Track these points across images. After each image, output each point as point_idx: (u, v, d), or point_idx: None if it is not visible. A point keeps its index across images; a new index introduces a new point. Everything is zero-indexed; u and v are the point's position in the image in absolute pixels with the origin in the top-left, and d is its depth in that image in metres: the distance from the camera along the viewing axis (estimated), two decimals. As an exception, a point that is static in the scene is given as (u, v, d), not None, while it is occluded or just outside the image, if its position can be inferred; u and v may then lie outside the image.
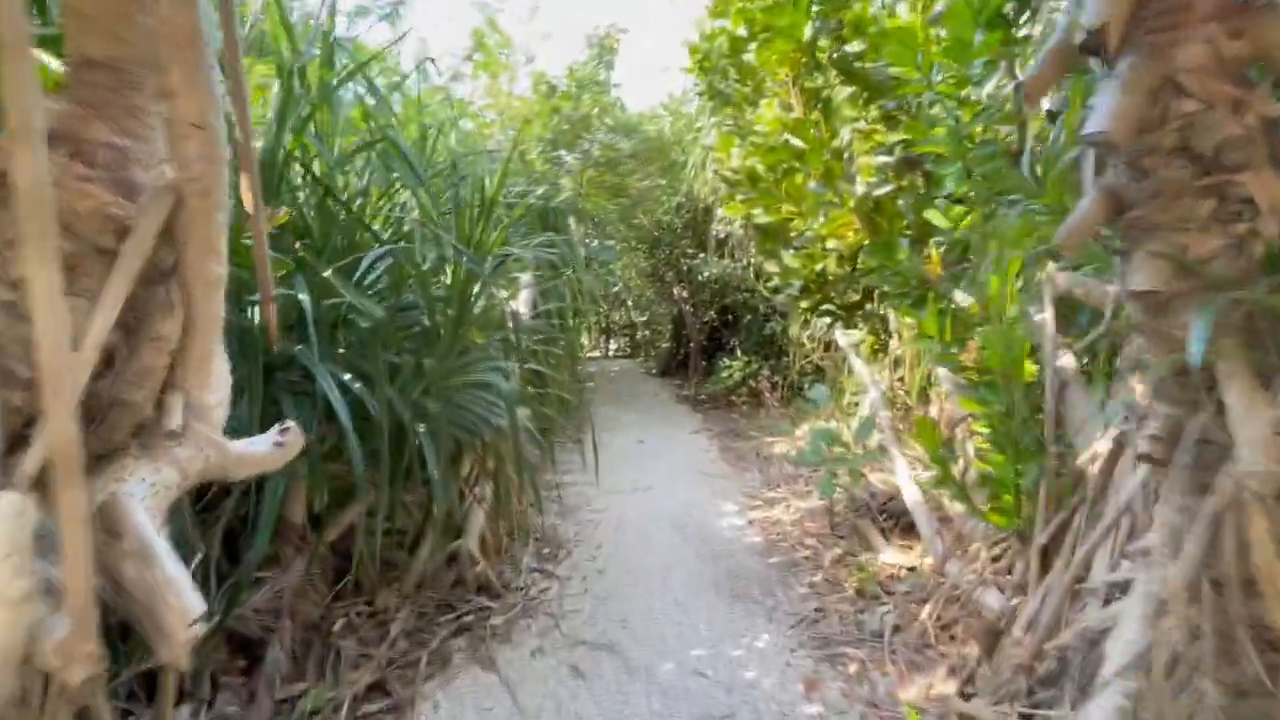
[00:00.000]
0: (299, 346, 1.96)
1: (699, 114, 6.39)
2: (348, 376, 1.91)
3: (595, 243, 7.16)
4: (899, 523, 3.62)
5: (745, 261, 6.55)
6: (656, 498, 4.57)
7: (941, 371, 4.09)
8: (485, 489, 3.04)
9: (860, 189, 2.21)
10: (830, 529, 3.73)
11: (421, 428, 2.07)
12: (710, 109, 3.72)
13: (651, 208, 8.45)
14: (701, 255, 7.01)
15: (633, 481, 5.01)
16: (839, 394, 5.73)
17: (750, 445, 6.06)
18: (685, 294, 8.89)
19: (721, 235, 6.75)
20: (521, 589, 2.92)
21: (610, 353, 17.42)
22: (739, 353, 8.62)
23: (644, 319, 15.74)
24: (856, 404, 5.16)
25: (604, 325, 18.29)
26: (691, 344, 8.74)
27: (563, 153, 5.96)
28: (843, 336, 3.90)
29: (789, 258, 2.40)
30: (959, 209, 2.09)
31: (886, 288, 2.10)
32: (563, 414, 6.48)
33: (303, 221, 1.99)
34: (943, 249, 2.19)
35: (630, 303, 15.79)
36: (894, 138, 2.23)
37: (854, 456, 3.27)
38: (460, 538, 2.83)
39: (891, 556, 3.14)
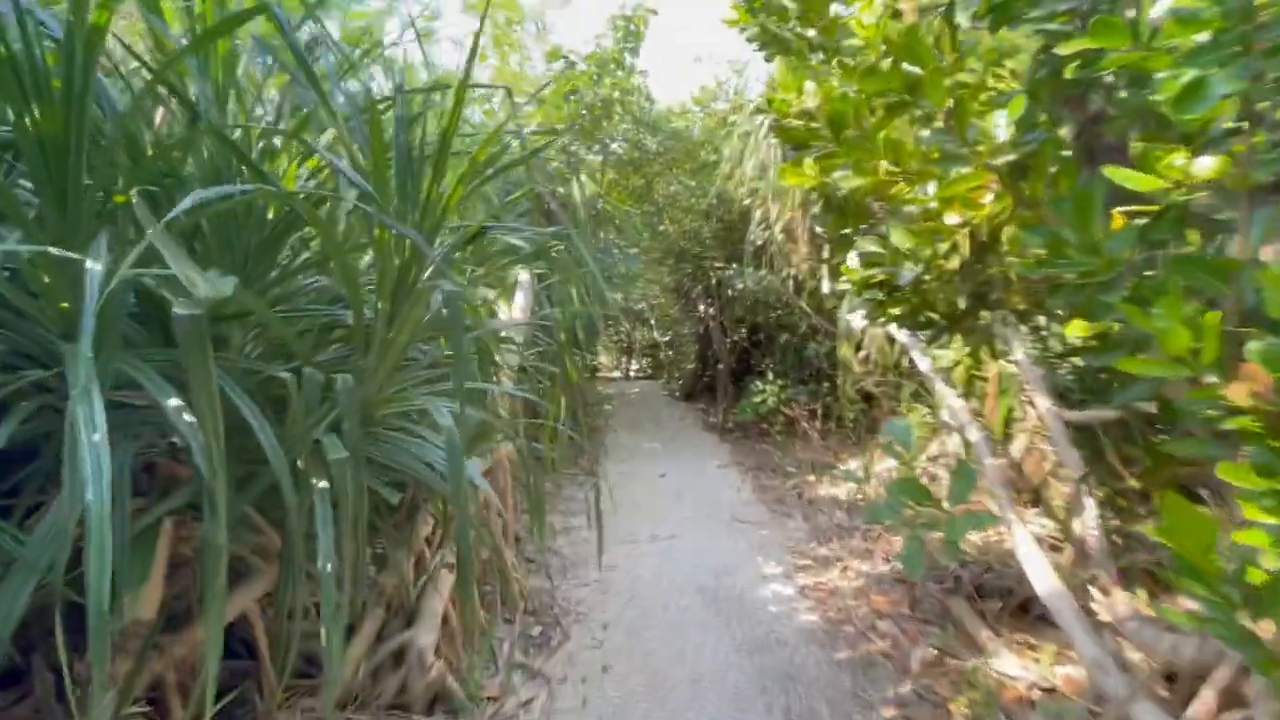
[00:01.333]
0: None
1: (735, 108, 5.66)
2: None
3: (617, 252, 6.42)
4: (1006, 605, 2.73)
5: (785, 273, 5.75)
6: (680, 552, 3.72)
7: (1046, 408, 3.22)
8: (452, 552, 2.25)
9: (1004, 133, 1.40)
10: (910, 608, 2.85)
11: (321, 483, 1.29)
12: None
13: (678, 216, 7.71)
14: (734, 266, 6.24)
15: (652, 527, 4.18)
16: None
17: (789, 484, 5.19)
18: (713, 311, 8.09)
19: (759, 243, 5.96)
20: (495, 699, 2.10)
21: (631, 373, 16.66)
22: (771, 376, 7.77)
23: (667, 339, 14.97)
24: (926, 443, 4.29)
25: (625, 344, 17.59)
26: (720, 365, 7.91)
27: (578, 148, 5.27)
28: (923, 358, 3.07)
29: (899, 235, 1.58)
30: (1171, 158, 1.28)
31: (1069, 277, 1.27)
32: (567, 446, 5.70)
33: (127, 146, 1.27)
34: (1139, 221, 1.40)
35: (654, 321, 15.04)
36: (1064, 49, 1.45)
37: (953, 521, 2.41)
38: (413, 624, 2.03)
39: (1012, 664, 2.25)
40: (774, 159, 4.99)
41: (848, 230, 2.20)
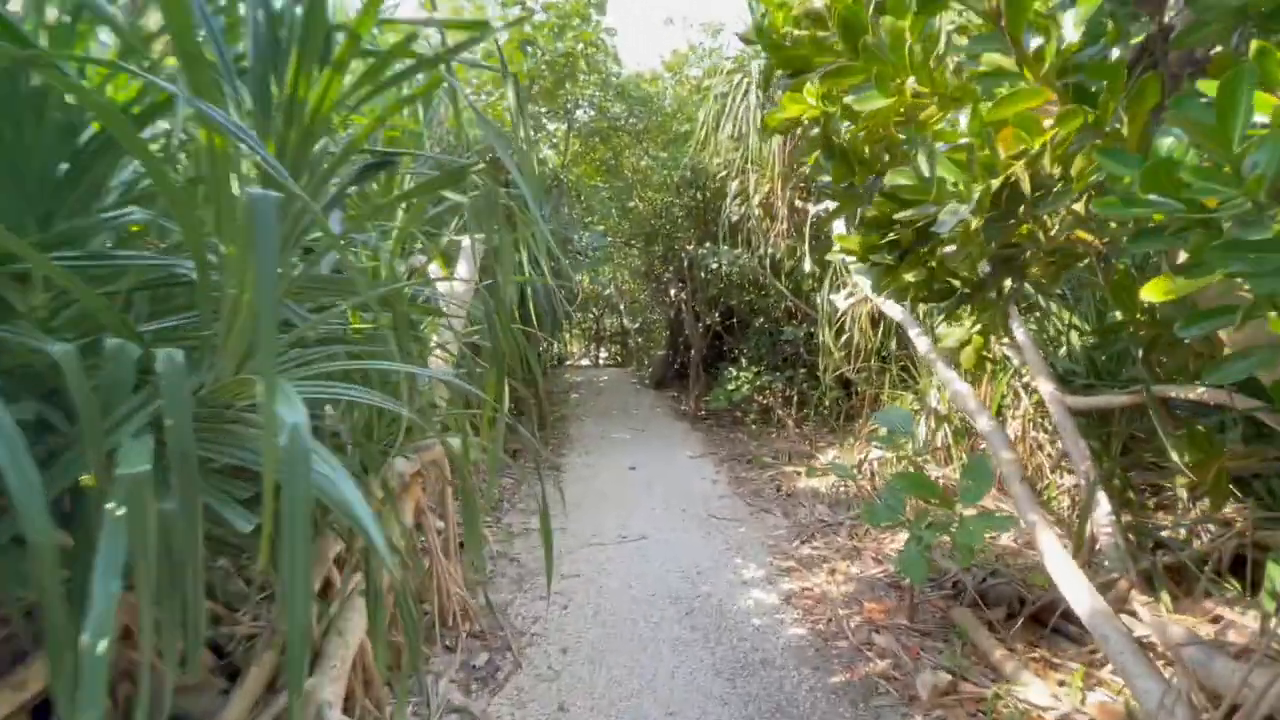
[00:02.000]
0: None
1: (710, 72, 5.23)
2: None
3: (583, 230, 5.99)
4: (1011, 614, 2.43)
5: (762, 252, 5.39)
6: (651, 554, 3.36)
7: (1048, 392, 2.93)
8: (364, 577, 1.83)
9: (1074, 34, 1.03)
10: (909, 618, 2.54)
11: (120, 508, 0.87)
12: None
13: (649, 195, 7.29)
14: (707, 246, 5.86)
15: (619, 526, 3.80)
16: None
17: (767, 476, 4.87)
18: (685, 295, 7.72)
19: (734, 219, 5.59)
20: (421, 756, 1.70)
21: (600, 361, 16.24)
22: (744, 362, 7.47)
23: (636, 325, 14.59)
24: (911, 433, 3.99)
25: (594, 331, 17.13)
26: (691, 352, 7.56)
27: (538, 111, 4.80)
28: (921, 338, 2.75)
29: (945, 167, 1.21)
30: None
31: (1161, 218, 0.91)
32: (529, 438, 5.27)
33: None
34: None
35: (623, 307, 14.62)
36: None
37: (965, 522, 2.08)
38: (315, 670, 1.61)
39: (1038, 691, 1.94)
40: (753, 122, 4.61)
41: (852, 182, 1.84)
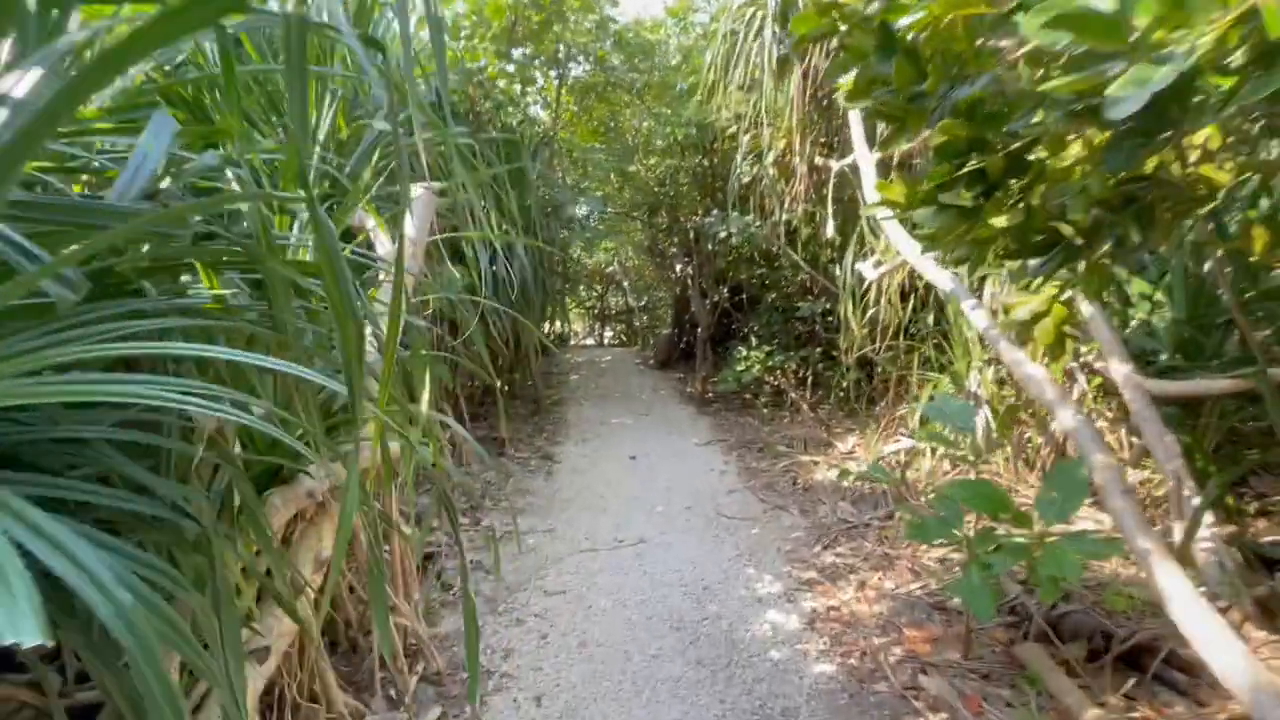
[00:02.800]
0: None
1: (719, 13, 4.63)
2: None
3: (581, 200, 5.47)
4: (1094, 652, 1.97)
5: (775, 218, 4.85)
6: (651, 563, 2.91)
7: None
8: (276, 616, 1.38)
9: None
10: (963, 654, 2.08)
11: None
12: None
13: (652, 163, 6.73)
14: (715, 213, 5.33)
15: (616, 527, 3.35)
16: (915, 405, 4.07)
17: (781, 467, 4.40)
18: (691, 270, 7.19)
19: (745, 180, 5.05)
20: None
21: (605, 340, 15.77)
22: (754, 341, 6.98)
23: (642, 303, 14.07)
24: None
25: (598, 310, 16.63)
26: (698, 330, 7.05)
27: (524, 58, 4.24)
28: (978, 312, 2.25)
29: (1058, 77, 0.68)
30: None
31: None
32: (520, 426, 4.83)
33: None
34: None
35: (626, 285, 14.10)
36: None
37: (1052, 548, 1.60)
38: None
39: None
40: (768, 64, 4.04)
41: (921, 91, 1.33)
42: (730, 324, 8.24)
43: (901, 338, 4.32)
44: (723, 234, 5.00)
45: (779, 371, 6.22)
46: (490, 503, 3.65)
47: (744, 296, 7.38)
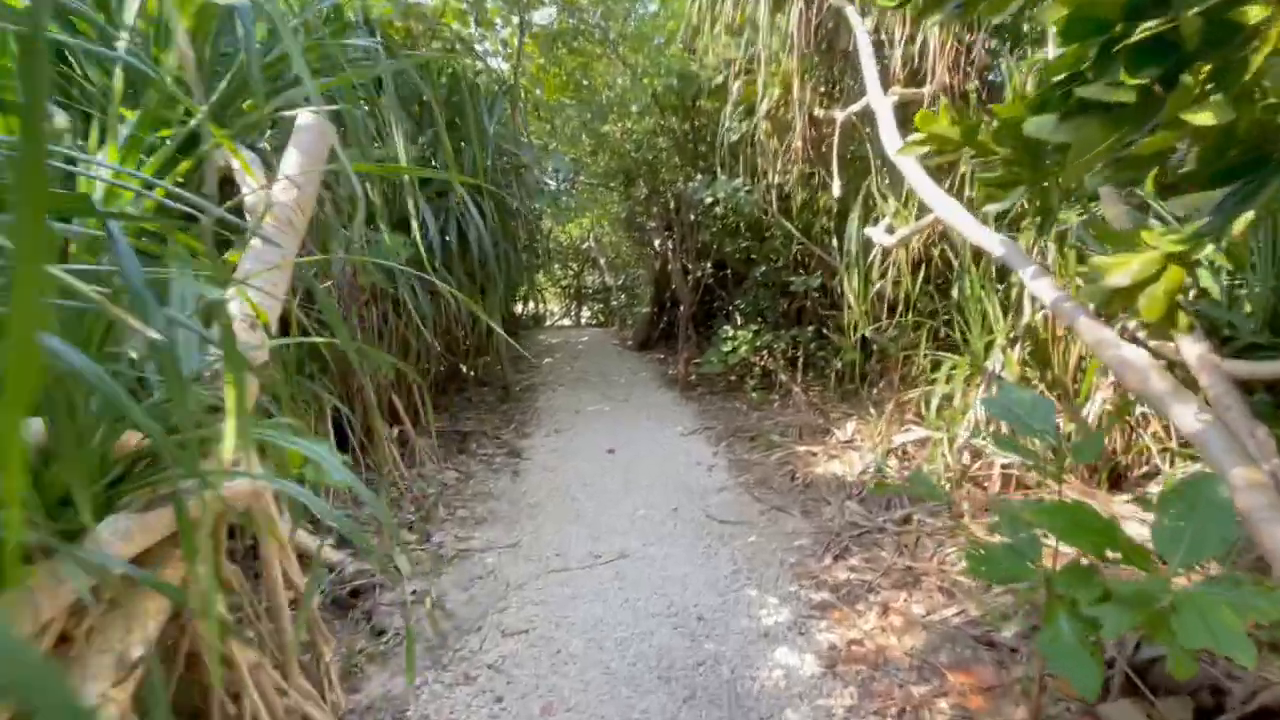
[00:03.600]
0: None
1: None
2: None
3: (547, 160, 4.89)
4: (1204, 713, 1.54)
5: (768, 182, 4.34)
6: (633, 585, 2.44)
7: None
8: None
9: None
10: (1034, 717, 1.64)
11: None
12: None
13: (629, 124, 6.14)
14: (699, 178, 4.80)
15: (591, 538, 2.88)
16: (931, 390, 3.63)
17: (776, 459, 3.96)
18: (672, 243, 6.66)
19: (735, 138, 4.51)
20: None
21: (583, 321, 15.20)
22: (739, 319, 6.51)
23: (619, 282, 13.50)
24: (957, 415, 3.07)
25: (574, 289, 16.00)
26: (680, 308, 6.55)
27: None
28: (1043, 280, 1.79)
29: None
30: None
31: None
32: (493, 413, 4.31)
33: None
34: None
35: (603, 262, 13.50)
36: None
37: (1195, 603, 1.14)
38: None
39: None
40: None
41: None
42: (714, 302, 7.76)
43: (910, 314, 3.87)
44: (708, 199, 4.47)
45: (767, 352, 5.76)
46: (445, 511, 3.14)
47: (729, 272, 6.88)
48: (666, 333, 9.19)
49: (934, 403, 3.44)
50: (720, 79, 4.38)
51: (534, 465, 3.86)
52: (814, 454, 3.97)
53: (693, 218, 5.97)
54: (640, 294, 12.21)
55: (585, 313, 16.14)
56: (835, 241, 4.27)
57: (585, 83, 5.55)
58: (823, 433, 4.42)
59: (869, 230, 3.18)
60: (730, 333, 5.74)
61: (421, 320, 3.32)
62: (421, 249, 2.53)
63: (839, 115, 3.46)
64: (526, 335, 9.84)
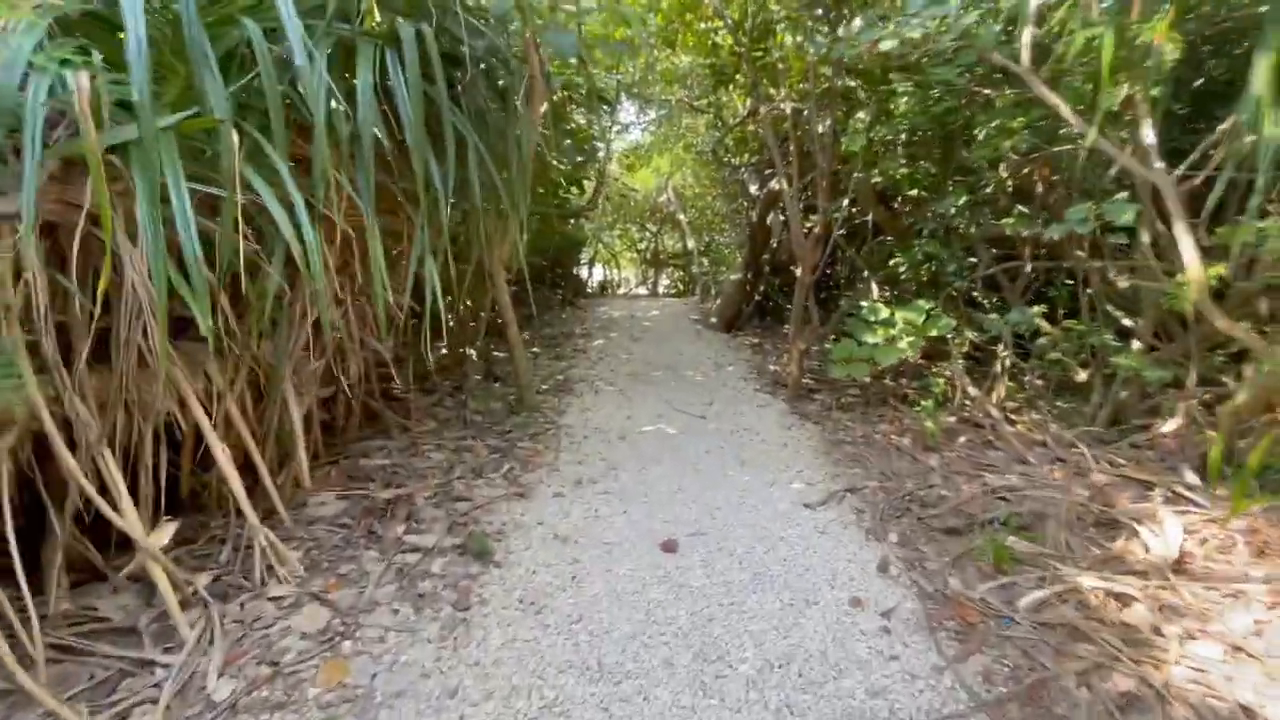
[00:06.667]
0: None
1: None
2: None
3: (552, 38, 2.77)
4: None
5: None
6: None
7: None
8: None
9: None
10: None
11: None
12: None
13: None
14: (844, 26, 2.59)
15: None
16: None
17: (1033, 599, 1.74)
18: (787, 176, 4.37)
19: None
20: None
21: (661, 290, 13.12)
22: (879, 292, 4.19)
23: (705, 244, 11.20)
24: None
25: (650, 253, 13.87)
26: (798, 271, 4.28)
27: None
28: None
29: None
30: None
31: None
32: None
33: None
34: None
35: (683, 218, 11.25)
36: None
37: None
38: None
39: None
40: None
41: None
42: (833, 264, 5.46)
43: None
44: (867, 44, 2.21)
45: (955, 345, 3.46)
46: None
47: (869, 219, 4.54)
48: (761, 308, 6.96)
49: None
50: None
51: (506, 590, 1.85)
52: (1123, 600, 1.73)
53: (820, 135, 3.67)
54: (726, 256, 9.92)
55: (665, 281, 14.03)
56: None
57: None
58: (1107, 526, 2.15)
59: None
60: (879, 313, 3.47)
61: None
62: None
63: None
64: (571, 312, 7.90)
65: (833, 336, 5.09)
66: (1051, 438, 2.91)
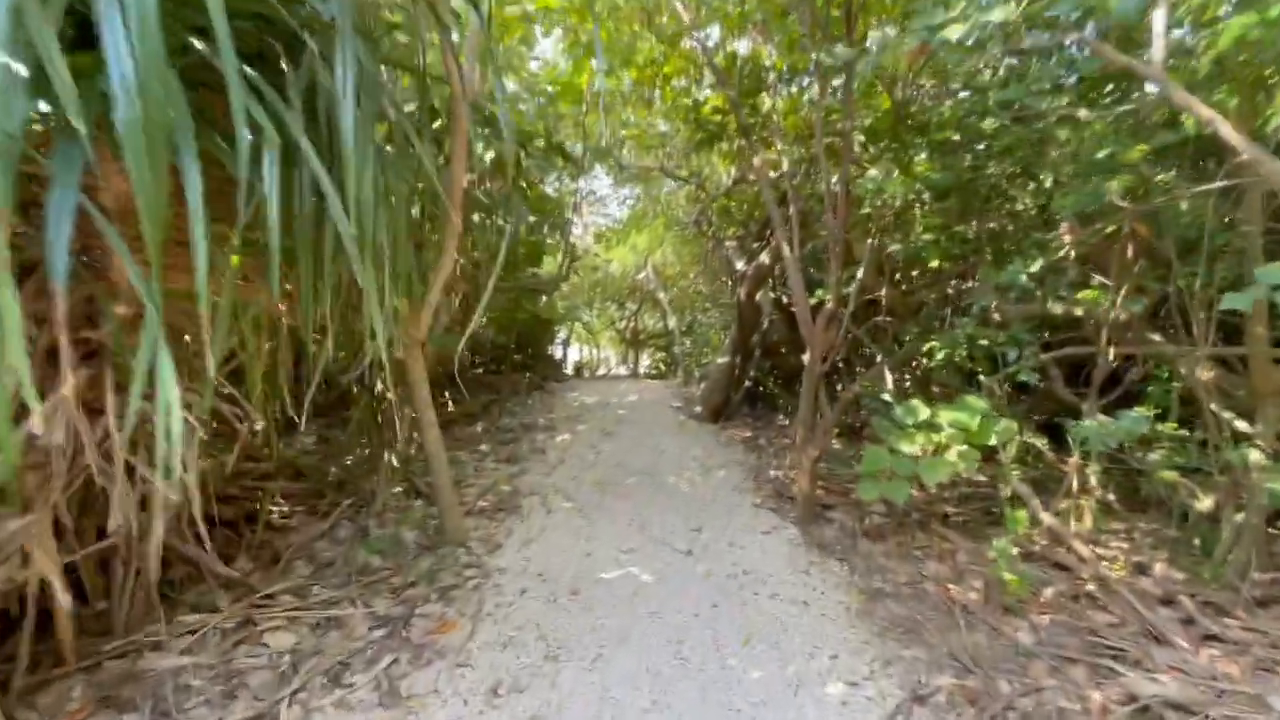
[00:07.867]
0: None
1: None
2: None
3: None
4: None
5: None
6: None
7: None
8: None
9: None
10: None
11: None
12: None
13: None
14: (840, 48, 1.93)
15: None
16: None
17: None
18: (788, 237, 3.62)
19: None
20: None
21: (641, 371, 12.35)
22: (916, 383, 3.41)
23: (686, 326, 10.51)
24: None
25: (629, 332, 13.20)
26: (808, 357, 3.46)
27: None
28: None
29: None
30: None
31: None
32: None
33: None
34: None
35: (663, 297, 10.63)
36: None
37: None
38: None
39: None
40: None
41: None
42: (847, 350, 4.70)
43: None
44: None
45: (1029, 462, 2.62)
46: None
47: (879, 296, 3.82)
48: (751, 394, 6.15)
49: None
50: None
51: None
52: None
53: (833, 183, 3.00)
54: (712, 337, 9.22)
55: (645, 360, 13.28)
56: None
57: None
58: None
59: None
60: (920, 412, 2.65)
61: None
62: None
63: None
64: (555, 392, 7.02)
65: (836, 430, 4.24)
66: (1183, 592, 2.04)
